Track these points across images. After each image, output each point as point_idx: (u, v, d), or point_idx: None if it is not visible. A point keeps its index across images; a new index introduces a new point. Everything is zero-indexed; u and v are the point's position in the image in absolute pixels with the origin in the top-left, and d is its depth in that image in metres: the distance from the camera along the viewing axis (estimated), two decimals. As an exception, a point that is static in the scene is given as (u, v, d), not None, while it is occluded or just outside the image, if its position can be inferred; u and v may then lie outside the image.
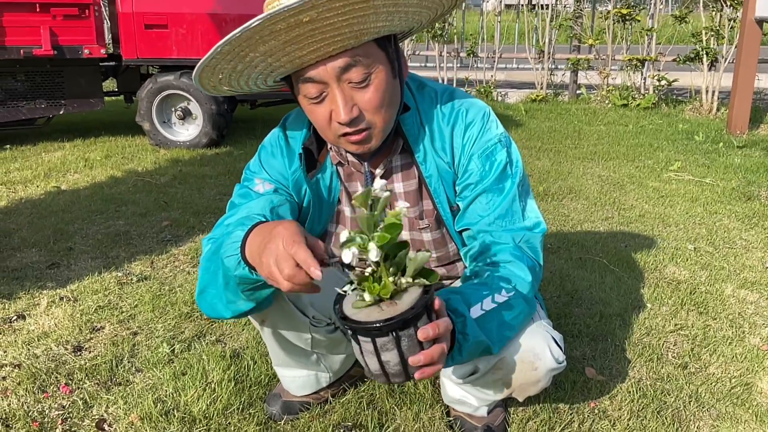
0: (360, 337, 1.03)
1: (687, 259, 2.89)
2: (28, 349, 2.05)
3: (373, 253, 0.96)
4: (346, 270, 1.04)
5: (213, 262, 1.32)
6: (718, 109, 6.81)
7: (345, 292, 1.07)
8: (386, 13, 1.21)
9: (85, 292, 2.49)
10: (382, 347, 1.01)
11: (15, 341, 2.10)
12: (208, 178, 4.26)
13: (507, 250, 1.38)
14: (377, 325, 0.99)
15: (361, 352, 1.04)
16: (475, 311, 1.24)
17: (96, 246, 3.02)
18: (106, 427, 1.68)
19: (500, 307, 1.27)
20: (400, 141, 1.45)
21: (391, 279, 1.01)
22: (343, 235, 1.00)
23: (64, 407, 1.76)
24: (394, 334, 0.99)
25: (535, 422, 1.72)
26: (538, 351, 1.40)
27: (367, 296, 1.03)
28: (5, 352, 2.05)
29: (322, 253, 1.08)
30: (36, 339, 2.12)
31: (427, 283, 1.04)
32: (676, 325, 2.28)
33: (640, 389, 1.88)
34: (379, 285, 1.01)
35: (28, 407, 1.75)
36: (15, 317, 2.28)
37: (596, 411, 1.78)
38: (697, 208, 3.67)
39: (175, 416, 1.70)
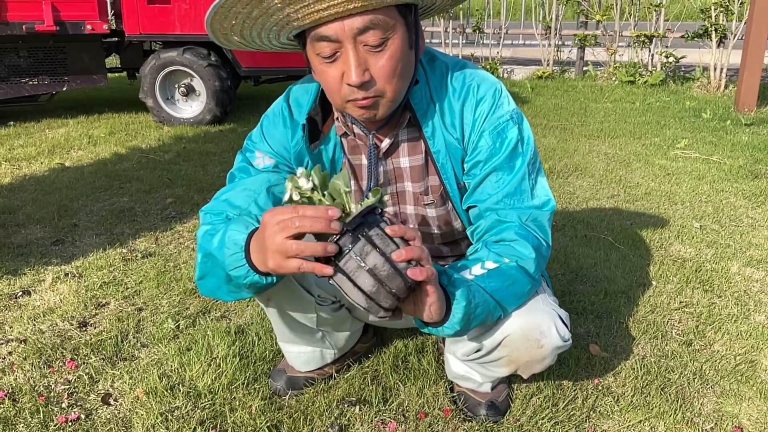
0: (341, 261, 1.05)
1: (693, 237, 2.88)
2: (34, 325, 2.06)
3: (303, 181, 1.06)
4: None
5: (211, 260, 1.31)
6: (726, 87, 6.74)
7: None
8: None
9: (89, 268, 2.49)
10: (361, 253, 1.04)
11: (20, 317, 2.11)
12: (212, 155, 4.24)
13: (512, 228, 1.37)
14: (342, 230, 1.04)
15: (351, 280, 1.05)
16: (464, 275, 1.28)
17: (100, 222, 3.02)
18: (111, 401, 1.69)
19: (492, 271, 1.29)
20: (407, 115, 1.43)
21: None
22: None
23: (69, 382, 1.77)
24: (363, 234, 1.04)
25: (538, 398, 1.72)
26: (544, 328, 1.40)
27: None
28: (11, 327, 2.06)
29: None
30: (41, 315, 2.13)
31: (372, 201, 1.09)
32: (681, 302, 2.27)
33: (644, 366, 1.88)
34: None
35: (34, 382, 1.76)
36: (20, 293, 2.29)
37: (600, 388, 1.78)
38: (704, 186, 3.65)
39: (180, 391, 1.71)
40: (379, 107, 1.32)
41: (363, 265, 1.04)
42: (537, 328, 1.40)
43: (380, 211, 1.09)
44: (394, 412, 1.66)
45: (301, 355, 1.76)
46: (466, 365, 1.61)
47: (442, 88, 1.43)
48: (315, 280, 1.53)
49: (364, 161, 1.50)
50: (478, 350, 1.45)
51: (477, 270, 1.30)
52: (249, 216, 1.35)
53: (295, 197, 1.09)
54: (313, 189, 1.09)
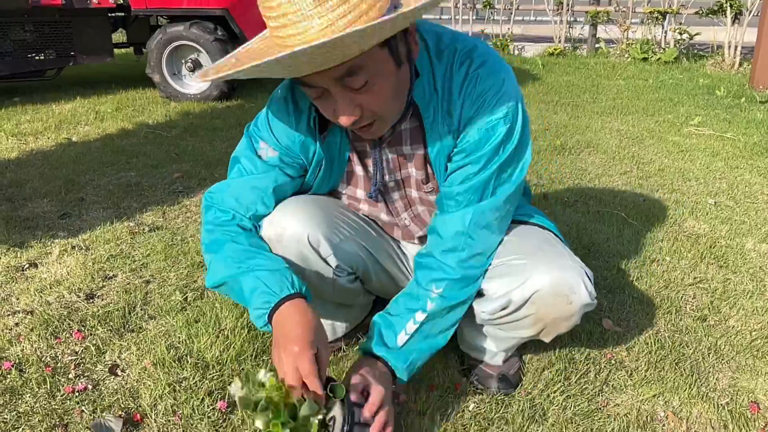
0: None
1: (707, 214, 2.83)
2: (41, 297, 2.04)
3: (260, 424, 1.22)
4: None
5: (230, 286, 1.42)
6: (740, 64, 6.63)
7: None
8: (391, 29, 1.13)
9: (96, 242, 2.47)
10: None
11: (27, 289, 2.10)
12: (219, 130, 4.21)
13: (446, 243, 1.42)
14: None
15: None
16: (401, 338, 1.41)
17: (107, 197, 3.00)
18: (119, 372, 1.68)
19: (423, 324, 1.42)
20: (411, 108, 1.40)
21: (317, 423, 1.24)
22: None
23: (76, 353, 1.75)
24: None
25: (550, 372, 1.70)
26: (573, 285, 1.38)
27: None
28: (18, 299, 2.04)
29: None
30: (48, 287, 2.12)
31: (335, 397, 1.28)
32: (695, 278, 2.23)
33: (657, 341, 1.85)
34: None
35: (41, 353, 1.74)
36: (27, 265, 2.27)
37: (613, 362, 1.76)
38: (718, 163, 3.59)
39: (188, 362, 1.70)
40: (378, 127, 1.32)
41: None
42: (566, 284, 1.38)
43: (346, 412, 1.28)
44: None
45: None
46: (484, 333, 1.59)
47: (447, 78, 1.36)
48: (333, 251, 1.50)
49: (369, 149, 1.49)
50: (504, 307, 1.44)
51: (411, 327, 1.43)
52: (255, 214, 1.47)
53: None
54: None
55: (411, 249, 1.70)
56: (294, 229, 1.45)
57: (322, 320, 1.70)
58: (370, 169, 1.52)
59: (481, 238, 1.41)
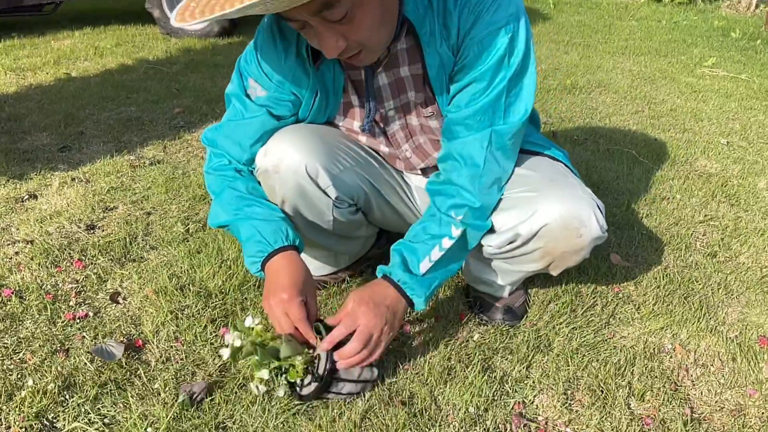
0: (328, 394, 1.33)
1: (719, 153, 2.77)
2: (41, 227, 2.02)
3: (264, 374, 1.28)
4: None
5: (229, 229, 1.46)
6: (756, 6, 6.43)
7: (297, 385, 1.33)
8: None
9: (97, 174, 2.43)
10: (338, 390, 1.32)
11: (27, 219, 2.07)
12: (221, 67, 4.11)
13: (464, 169, 1.34)
14: (313, 393, 1.30)
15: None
16: (425, 265, 1.35)
17: (107, 131, 2.94)
18: (120, 300, 1.66)
19: (449, 250, 1.35)
20: (405, 26, 1.31)
21: (299, 362, 1.28)
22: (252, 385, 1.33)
23: (77, 281, 1.73)
24: (332, 383, 1.31)
25: (556, 304, 1.67)
26: (584, 218, 1.33)
27: (300, 381, 1.31)
28: (17, 229, 2.02)
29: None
30: (48, 217, 2.09)
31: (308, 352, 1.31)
32: (705, 215, 2.19)
33: (666, 276, 1.82)
34: (293, 373, 1.28)
35: (41, 281, 1.72)
36: (27, 197, 2.24)
37: (620, 296, 1.73)
38: (731, 104, 3.50)
39: (190, 290, 1.68)
40: (367, 56, 1.25)
41: (345, 392, 1.33)
42: (577, 217, 1.33)
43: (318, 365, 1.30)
44: (408, 314, 1.62)
45: (315, 260, 1.71)
46: (491, 266, 1.55)
47: None
48: (332, 182, 1.45)
49: (363, 77, 1.40)
50: (512, 241, 1.39)
51: (436, 254, 1.35)
52: (249, 158, 1.46)
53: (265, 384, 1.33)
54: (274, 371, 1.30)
55: (414, 180, 1.65)
56: (291, 159, 1.40)
57: (323, 252, 1.69)
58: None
59: (499, 162, 1.34)
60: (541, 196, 1.36)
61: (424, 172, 1.59)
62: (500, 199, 1.41)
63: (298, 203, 1.47)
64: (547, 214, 1.34)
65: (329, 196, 1.47)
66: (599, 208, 1.37)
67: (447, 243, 1.34)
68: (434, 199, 1.39)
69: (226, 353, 1.29)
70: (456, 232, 1.34)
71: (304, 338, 1.31)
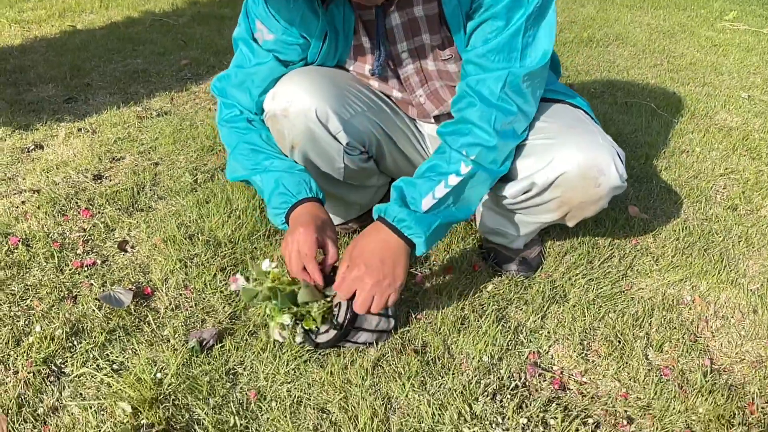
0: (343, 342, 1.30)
1: (740, 107, 2.69)
2: (47, 177, 1.98)
3: (286, 318, 1.24)
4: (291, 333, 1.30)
5: (249, 179, 1.42)
6: (781, -41, 6.20)
7: (313, 332, 1.29)
8: None
9: (103, 125, 2.39)
10: (355, 339, 1.30)
11: (33, 169, 2.04)
12: (227, 19, 4.02)
13: (475, 108, 1.26)
14: (331, 341, 1.28)
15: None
16: (427, 202, 1.25)
17: (114, 82, 2.89)
18: (128, 248, 1.63)
19: (454, 189, 1.26)
20: None
21: (316, 309, 1.25)
22: (272, 332, 1.30)
23: (84, 230, 1.71)
24: (351, 329, 1.28)
25: (572, 256, 1.64)
26: (603, 166, 1.27)
27: (316, 329, 1.27)
28: (24, 179, 1.99)
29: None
30: (55, 167, 2.05)
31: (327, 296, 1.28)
32: (726, 169, 2.13)
33: (685, 228, 1.77)
34: (309, 320, 1.26)
35: (48, 229, 1.70)
36: (32, 147, 2.20)
37: (638, 248, 1.69)
38: (753, 58, 3.40)
39: (199, 239, 1.65)
40: None
41: (361, 341, 1.31)
42: (596, 165, 1.27)
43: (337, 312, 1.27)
44: (420, 265, 1.59)
45: (327, 209, 1.67)
46: (503, 217, 1.51)
47: None
48: (343, 127, 1.40)
49: (373, 17, 1.33)
50: (527, 191, 1.34)
51: (440, 191, 1.26)
52: (259, 107, 1.43)
53: (286, 331, 1.29)
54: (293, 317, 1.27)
55: (427, 128, 1.60)
56: (301, 102, 1.35)
57: (333, 201, 1.64)
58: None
59: (516, 105, 1.27)
60: (559, 143, 1.30)
61: (438, 120, 1.54)
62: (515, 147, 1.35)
63: (307, 149, 1.42)
64: (565, 162, 1.28)
65: (340, 142, 1.42)
66: (619, 157, 1.31)
67: (454, 180, 1.26)
68: (446, 139, 1.31)
69: (238, 288, 1.27)
70: (465, 169, 1.25)
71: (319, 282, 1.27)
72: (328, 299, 1.27)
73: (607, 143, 1.30)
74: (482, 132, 1.26)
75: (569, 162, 1.27)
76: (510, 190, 1.35)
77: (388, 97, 1.54)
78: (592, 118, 1.45)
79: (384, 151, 1.55)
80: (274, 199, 1.34)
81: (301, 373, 1.24)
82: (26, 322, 1.35)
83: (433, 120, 1.55)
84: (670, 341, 1.37)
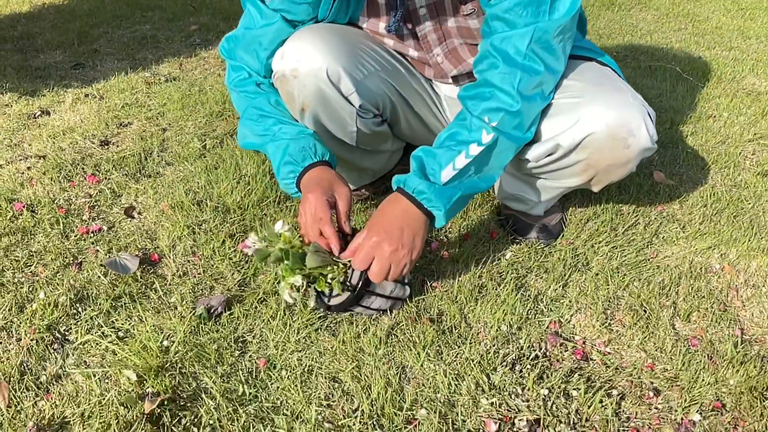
0: (356, 306, 1.25)
1: (769, 71, 2.58)
2: (53, 142, 1.94)
3: (297, 280, 1.19)
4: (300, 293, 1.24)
5: (259, 148, 1.38)
6: None
7: (325, 295, 1.25)
8: None
9: (111, 91, 2.33)
10: (368, 304, 1.25)
11: (39, 135, 1.99)
12: (239, -15, 3.94)
13: (497, 69, 1.18)
14: (343, 304, 1.23)
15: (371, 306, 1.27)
16: (447, 173, 1.19)
17: (122, 48, 2.83)
18: (135, 214, 1.59)
19: (476, 159, 1.20)
20: None
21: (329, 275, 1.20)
22: (283, 293, 1.22)
23: (91, 196, 1.66)
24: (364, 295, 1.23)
25: (595, 223, 1.57)
26: (633, 126, 1.20)
27: (329, 291, 1.22)
28: (30, 145, 1.94)
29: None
30: (61, 133, 2.00)
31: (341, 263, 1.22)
32: (755, 134, 2.04)
33: (714, 195, 1.69)
34: (322, 282, 1.21)
35: (53, 195, 1.66)
36: (39, 113, 2.15)
37: (664, 214, 1.62)
38: (782, 22, 3.27)
39: (207, 205, 1.60)
40: None
41: (375, 307, 1.25)
42: (626, 125, 1.19)
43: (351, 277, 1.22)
44: (435, 232, 1.53)
45: (337, 175, 1.62)
46: (522, 183, 1.44)
47: None
48: (356, 88, 1.33)
49: None
50: (551, 153, 1.27)
51: (461, 162, 1.20)
52: (267, 69, 1.36)
53: (295, 292, 1.22)
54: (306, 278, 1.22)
55: (445, 89, 1.52)
56: (311, 61, 1.28)
57: (347, 166, 1.58)
58: None
59: (544, 63, 1.18)
60: (586, 101, 1.23)
61: (456, 80, 1.46)
62: None
63: (318, 111, 1.36)
64: (593, 121, 1.21)
65: (352, 105, 1.36)
66: (650, 117, 1.24)
67: (475, 149, 1.19)
68: (466, 104, 1.24)
69: (250, 249, 1.22)
70: (487, 137, 1.19)
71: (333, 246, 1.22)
72: (341, 261, 1.22)
73: (637, 102, 1.22)
74: (505, 95, 1.18)
75: (597, 121, 1.19)
76: (533, 152, 1.28)
77: (403, 56, 1.47)
78: (621, 77, 1.37)
79: (398, 113, 1.48)
80: (282, 169, 1.30)
81: (312, 342, 1.20)
82: (30, 289, 1.32)
83: (450, 80, 1.47)
84: (698, 310, 1.30)
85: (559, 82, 1.27)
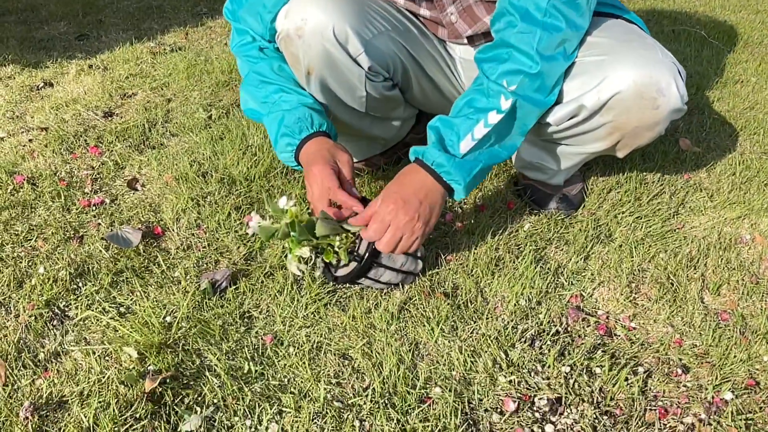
0: (365, 279, 1.20)
1: (799, 35, 2.46)
2: (56, 114, 1.89)
3: (305, 251, 1.15)
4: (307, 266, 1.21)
5: (261, 117, 1.32)
6: None
7: (332, 266, 1.19)
8: None
9: (115, 61, 2.28)
10: (377, 277, 1.19)
11: (42, 107, 1.94)
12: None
13: (519, 26, 1.10)
14: (350, 275, 1.17)
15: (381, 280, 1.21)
16: (466, 144, 1.12)
17: (127, 19, 2.76)
18: (138, 186, 1.54)
19: (495, 127, 1.13)
20: None
21: (338, 242, 1.16)
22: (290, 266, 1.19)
23: (93, 168, 1.61)
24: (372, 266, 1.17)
25: (618, 192, 1.49)
26: (662, 85, 1.11)
27: (336, 262, 1.18)
28: (32, 117, 1.89)
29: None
30: (64, 105, 1.95)
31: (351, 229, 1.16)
32: (786, 99, 1.94)
33: (743, 162, 1.61)
34: (329, 253, 1.17)
35: (55, 167, 1.61)
36: (42, 85, 2.10)
37: (691, 183, 1.54)
38: (812, -17, 3.12)
39: (213, 177, 1.54)
40: None
41: (384, 280, 1.20)
42: (655, 84, 1.11)
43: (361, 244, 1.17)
44: (450, 203, 1.47)
45: (348, 145, 1.54)
46: (541, 150, 1.37)
47: None
48: (364, 48, 1.25)
49: None
50: (574, 115, 1.19)
51: (480, 131, 1.12)
52: (272, 33, 1.30)
53: (303, 265, 1.19)
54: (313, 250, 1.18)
55: (459, 51, 1.44)
56: (317, 19, 1.20)
57: (355, 135, 1.51)
58: None
59: (566, 19, 1.10)
60: (612, 59, 1.14)
61: (472, 41, 1.38)
62: None
63: (325, 75, 1.28)
64: (619, 80, 1.13)
65: (361, 67, 1.28)
66: (680, 75, 1.15)
67: (494, 117, 1.12)
68: (483, 67, 1.16)
69: (254, 229, 1.17)
70: (506, 104, 1.11)
71: (341, 216, 1.16)
72: (351, 232, 1.16)
73: (667, 59, 1.14)
74: (523, 56, 1.10)
75: (624, 80, 1.11)
76: (554, 115, 1.20)
77: (414, 16, 1.39)
78: (648, 35, 1.28)
79: (410, 77, 1.40)
80: (280, 142, 1.25)
81: (320, 317, 1.14)
82: (29, 264, 1.27)
83: (465, 41, 1.39)
84: (728, 283, 1.23)
85: (582, 39, 1.19)
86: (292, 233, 1.14)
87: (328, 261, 1.16)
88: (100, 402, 0.96)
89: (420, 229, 1.13)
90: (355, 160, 1.57)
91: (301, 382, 1.02)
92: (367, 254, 1.13)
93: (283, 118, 1.25)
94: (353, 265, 1.15)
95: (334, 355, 1.07)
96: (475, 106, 1.14)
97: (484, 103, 1.13)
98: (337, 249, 1.15)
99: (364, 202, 1.17)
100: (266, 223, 1.16)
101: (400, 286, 1.20)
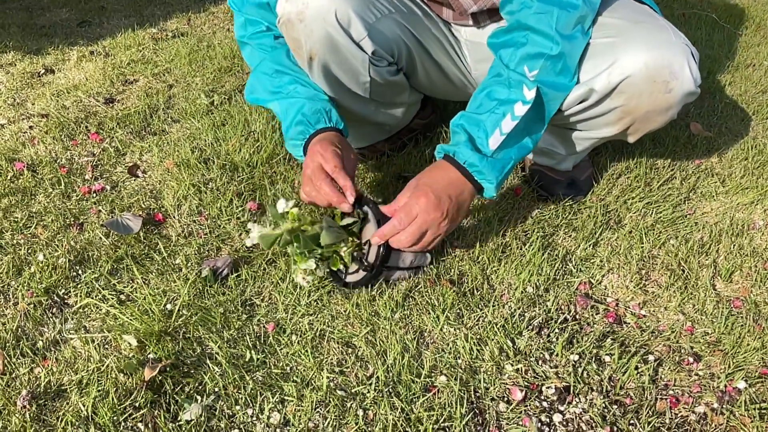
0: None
1: (813, 17, 2.41)
2: (57, 101, 1.86)
3: (311, 264, 1.10)
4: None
5: (270, 104, 1.30)
6: None
7: (341, 272, 1.15)
8: None
9: (117, 48, 2.25)
10: (388, 277, 1.16)
11: (43, 94, 1.92)
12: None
13: (535, 6, 1.07)
14: (361, 282, 1.13)
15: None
16: (495, 140, 1.09)
17: (129, 5, 2.74)
18: (139, 173, 1.51)
19: (523, 118, 1.09)
20: None
21: (344, 249, 1.12)
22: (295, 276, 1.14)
23: (94, 154, 1.59)
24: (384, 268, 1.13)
25: (627, 178, 1.46)
26: (675, 68, 1.08)
27: (343, 268, 1.14)
28: (33, 104, 1.87)
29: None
30: (65, 91, 1.93)
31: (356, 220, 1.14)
32: (799, 83, 1.90)
33: (755, 147, 1.57)
34: (336, 261, 1.13)
35: (55, 154, 1.59)
36: (43, 71, 2.08)
37: (702, 168, 1.51)
38: (826, -34, 3.06)
39: (215, 163, 1.52)
40: None
41: (393, 278, 1.16)
42: (667, 66, 1.08)
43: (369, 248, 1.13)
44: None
45: (352, 131, 1.51)
46: (549, 135, 1.34)
47: None
48: (368, 32, 1.22)
49: None
50: (584, 99, 1.15)
51: (508, 125, 1.09)
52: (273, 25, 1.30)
53: (310, 276, 1.14)
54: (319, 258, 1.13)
55: (465, 33, 1.40)
56: (318, 3, 1.17)
57: (359, 122, 1.48)
58: None
59: None
60: (623, 41, 1.11)
61: (476, 20, 1.34)
62: None
63: (328, 60, 1.25)
64: (630, 62, 1.09)
65: (365, 51, 1.25)
66: (693, 57, 1.12)
67: (521, 109, 1.08)
68: (500, 54, 1.13)
69: (254, 240, 1.12)
70: (530, 94, 1.07)
71: (344, 208, 1.14)
72: (355, 236, 1.13)
73: (680, 41, 1.10)
74: (542, 38, 1.07)
75: (635, 62, 1.08)
76: (565, 101, 1.17)
77: None
78: (660, 16, 1.25)
79: (415, 61, 1.37)
80: (293, 129, 1.22)
81: (324, 305, 1.12)
82: (29, 251, 1.25)
83: (470, 21, 1.35)
84: (741, 270, 1.20)
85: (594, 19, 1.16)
86: (296, 244, 1.10)
87: (336, 269, 1.14)
88: (99, 391, 0.95)
89: (445, 227, 1.11)
90: (359, 145, 1.55)
91: (304, 370, 1.00)
92: (377, 261, 1.10)
93: (303, 105, 1.23)
94: (363, 273, 1.12)
95: (338, 343, 1.05)
96: (497, 98, 1.10)
97: (507, 94, 1.10)
98: (344, 256, 1.12)
99: (360, 200, 1.15)
100: (267, 230, 1.12)
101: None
